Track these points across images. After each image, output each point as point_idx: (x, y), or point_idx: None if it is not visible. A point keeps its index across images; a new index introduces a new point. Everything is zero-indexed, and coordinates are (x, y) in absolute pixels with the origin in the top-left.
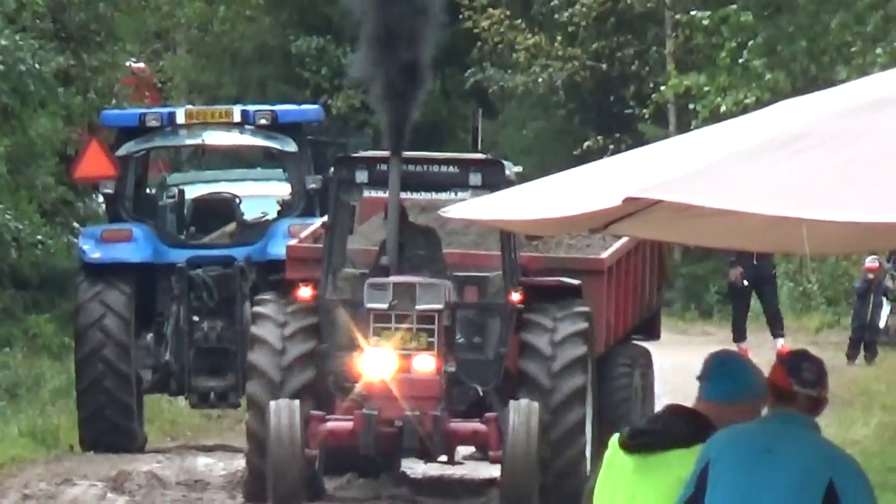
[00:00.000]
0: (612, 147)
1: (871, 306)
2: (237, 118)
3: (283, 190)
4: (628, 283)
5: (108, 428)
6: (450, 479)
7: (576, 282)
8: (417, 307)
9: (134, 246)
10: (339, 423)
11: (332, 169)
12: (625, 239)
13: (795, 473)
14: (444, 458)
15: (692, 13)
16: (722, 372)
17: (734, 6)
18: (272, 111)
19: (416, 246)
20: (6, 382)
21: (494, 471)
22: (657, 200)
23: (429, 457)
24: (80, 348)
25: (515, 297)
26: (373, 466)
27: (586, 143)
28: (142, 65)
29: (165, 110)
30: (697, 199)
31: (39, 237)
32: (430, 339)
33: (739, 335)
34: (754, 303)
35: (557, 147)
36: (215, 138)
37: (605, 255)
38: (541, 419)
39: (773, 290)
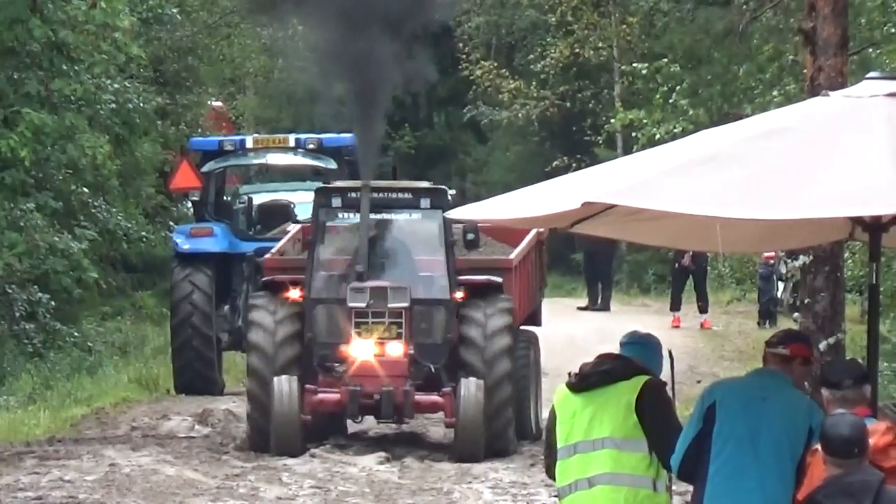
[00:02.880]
0: (573, 165)
1: (774, 285)
2: (292, 144)
3: None
4: (525, 280)
5: (196, 376)
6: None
7: (499, 279)
8: (389, 305)
9: (214, 240)
10: (328, 395)
11: (317, 196)
12: (524, 243)
13: (785, 418)
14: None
15: (634, 65)
16: (645, 342)
17: (666, 60)
18: (319, 138)
19: (386, 255)
20: (119, 342)
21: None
22: (609, 205)
23: (399, 422)
24: (174, 317)
25: (458, 294)
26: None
27: (554, 163)
28: (220, 103)
29: (238, 138)
30: (639, 202)
31: (143, 233)
32: (399, 331)
33: (676, 306)
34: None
35: (533, 165)
36: (275, 159)
37: (512, 256)
38: None
39: (704, 276)
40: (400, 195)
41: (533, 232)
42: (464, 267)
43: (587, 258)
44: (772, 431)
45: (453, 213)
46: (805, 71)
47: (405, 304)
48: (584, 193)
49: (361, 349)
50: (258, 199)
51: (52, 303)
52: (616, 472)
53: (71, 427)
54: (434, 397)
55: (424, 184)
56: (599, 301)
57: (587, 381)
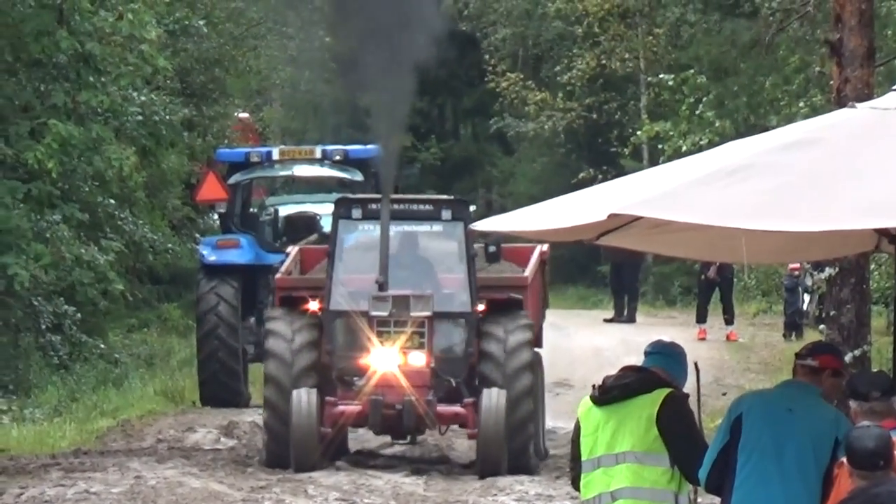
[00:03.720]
0: (599, 177)
1: (800, 297)
2: (318, 155)
3: None
4: (535, 298)
5: (221, 388)
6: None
7: (520, 296)
8: (412, 314)
9: (240, 251)
10: (349, 407)
11: (336, 207)
12: (534, 260)
13: (811, 430)
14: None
15: (660, 76)
16: (670, 351)
17: (692, 71)
18: (344, 150)
19: (407, 266)
20: (144, 354)
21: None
22: (635, 217)
23: (413, 441)
24: (200, 328)
25: (480, 307)
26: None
27: (581, 174)
28: (247, 115)
29: (264, 149)
30: (664, 214)
31: (170, 245)
32: (422, 340)
33: (702, 318)
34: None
35: (559, 177)
36: (302, 170)
37: (527, 273)
38: None
39: (730, 288)
40: (421, 207)
41: (537, 250)
42: (483, 284)
43: (613, 270)
44: (797, 443)
45: (479, 225)
46: (831, 82)
47: (428, 313)
48: (611, 205)
49: (384, 359)
50: (284, 211)
51: (78, 315)
52: (637, 486)
53: (97, 439)
54: (457, 408)
55: (446, 197)
56: (625, 313)
57: (609, 394)
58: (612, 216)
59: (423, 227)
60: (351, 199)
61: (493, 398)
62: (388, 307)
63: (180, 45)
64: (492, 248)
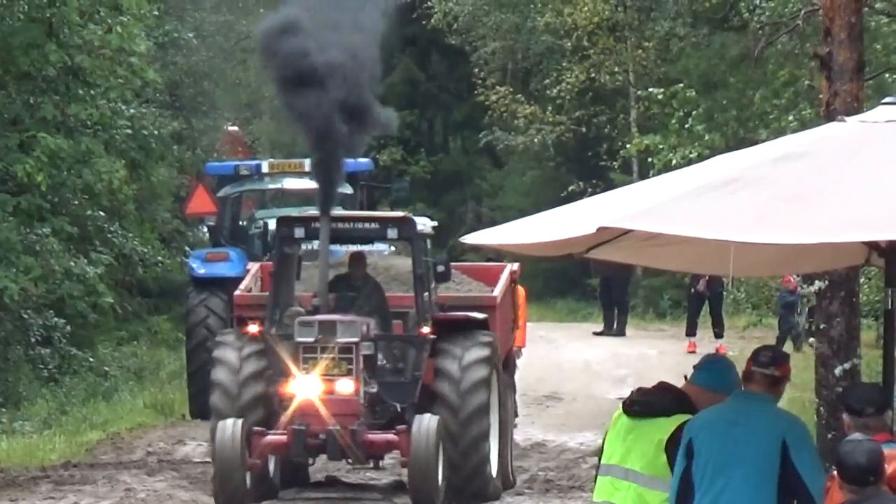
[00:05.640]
0: (589, 190)
1: (798, 311)
2: (307, 168)
3: None
4: (505, 315)
5: None
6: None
7: (482, 315)
8: (338, 340)
9: (230, 264)
10: (276, 437)
11: (278, 225)
12: (503, 279)
13: (759, 438)
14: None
15: (650, 90)
16: (712, 366)
17: (681, 84)
18: None
19: (354, 290)
20: (134, 367)
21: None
22: (624, 230)
23: (357, 462)
24: (190, 341)
25: (426, 329)
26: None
27: (570, 188)
28: (236, 128)
29: (254, 162)
30: (653, 227)
31: (159, 258)
32: (350, 367)
33: (691, 331)
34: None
35: (548, 190)
36: (292, 184)
37: (496, 293)
38: (451, 430)
39: (720, 301)
40: (366, 225)
41: (507, 269)
42: (447, 304)
43: (603, 283)
44: (745, 454)
45: (469, 239)
46: (821, 96)
47: (355, 339)
48: (600, 218)
49: (307, 386)
50: (274, 224)
51: (68, 327)
52: None
53: (86, 452)
54: (388, 435)
55: (392, 214)
56: (615, 326)
57: (631, 408)
58: (601, 229)
59: (368, 247)
60: (293, 218)
61: (424, 423)
62: (315, 332)
63: (169, 58)
64: (440, 268)
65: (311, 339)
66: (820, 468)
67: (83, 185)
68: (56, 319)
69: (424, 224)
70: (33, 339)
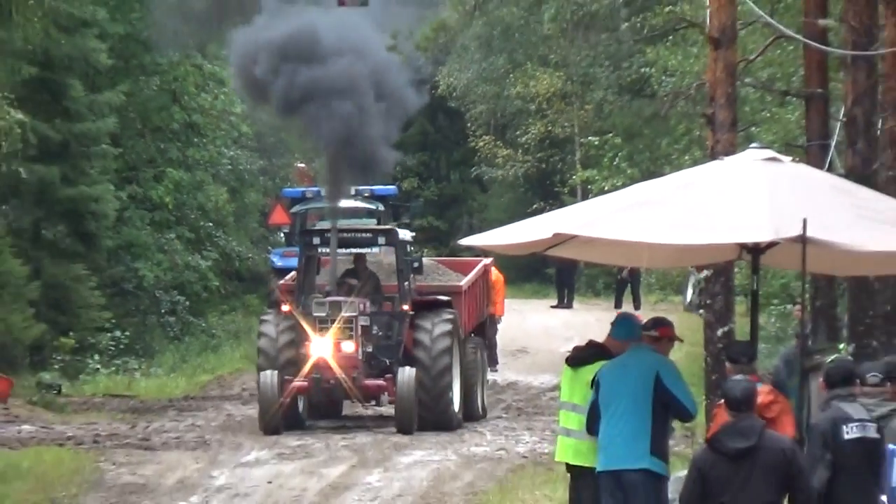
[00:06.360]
0: (547, 208)
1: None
2: (353, 192)
3: None
4: (473, 300)
5: None
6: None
7: (447, 298)
8: (343, 314)
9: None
10: (299, 383)
11: (300, 236)
12: (472, 273)
13: (636, 373)
14: (374, 402)
15: (589, 138)
16: (621, 322)
17: (611, 134)
18: (371, 189)
19: (357, 280)
20: (233, 330)
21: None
22: (573, 235)
23: (363, 402)
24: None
25: (406, 308)
26: (328, 412)
27: (534, 206)
28: (303, 164)
29: (315, 188)
30: (593, 233)
31: (250, 255)
32: (351, 333)
33: (618, 305)
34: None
35: (519, 208)
36: (342, 203)
37: (462, 283)
38: (424, 382)
39: (638, 284)
40: (362, 235)
41: (481, 264)
42: (425, 290)
43: (557, 272)
44: (629, 387)
45: (466, 241)
46: (708, 143)
47: (354, 314)
48: (555, 227)
49: (321, 347)
50: None
51: (187, 303)
52: (578, 430)
53: (200, 388)
54: (380, 382)
55: (381, 227)
56: (566, 301)
57: (571, 361)
58: (556, 235)
59: (365, 250)
60: (312, 231)
61: (406, 374)
62: (326, 309)
63: (257, 116)
64: (416, 265)
65: (323, 314)
66: (686, 387)
67: (198, 204)
68: (179, 297)
69: (405, 234)
70: (163, 311)
